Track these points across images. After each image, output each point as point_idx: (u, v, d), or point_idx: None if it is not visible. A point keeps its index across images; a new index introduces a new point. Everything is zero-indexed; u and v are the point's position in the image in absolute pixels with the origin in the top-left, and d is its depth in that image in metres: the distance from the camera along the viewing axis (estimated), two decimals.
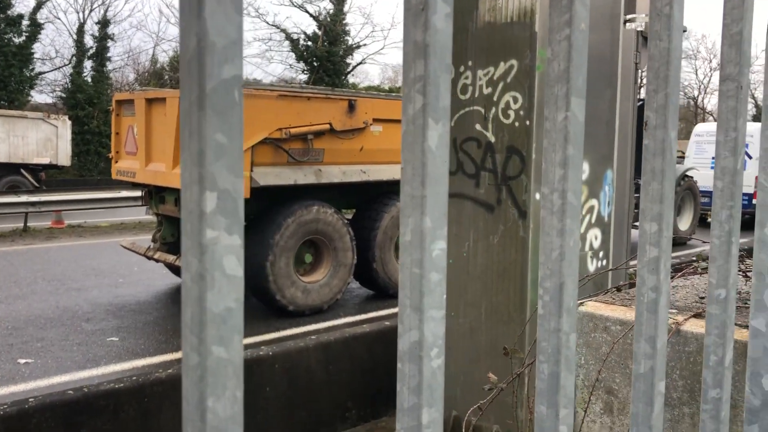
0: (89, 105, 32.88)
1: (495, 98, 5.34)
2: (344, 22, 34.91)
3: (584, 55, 0.71)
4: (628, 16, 6.11)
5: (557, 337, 0.72)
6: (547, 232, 0.72)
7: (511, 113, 5.25)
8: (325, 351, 6.26)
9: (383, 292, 11.42)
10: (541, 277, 0.73)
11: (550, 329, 0.73)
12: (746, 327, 1.48)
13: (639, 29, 6.32)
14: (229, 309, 0.45)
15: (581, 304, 1.88)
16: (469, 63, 5.48)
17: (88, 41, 35.09)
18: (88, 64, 34.81)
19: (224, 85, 0.43)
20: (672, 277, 2.21)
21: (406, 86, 0.58)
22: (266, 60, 55.29)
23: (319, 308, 10.38)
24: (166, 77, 37.89)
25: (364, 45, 39.35)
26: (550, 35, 0.70)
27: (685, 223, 16.38)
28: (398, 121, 11.81)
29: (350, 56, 36.34)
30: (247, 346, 7.96)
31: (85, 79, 34.01)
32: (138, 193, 12.25)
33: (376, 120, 10.98)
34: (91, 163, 32.84)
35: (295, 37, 35.54)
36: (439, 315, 0.58)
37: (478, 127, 5.49)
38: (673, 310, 1.83)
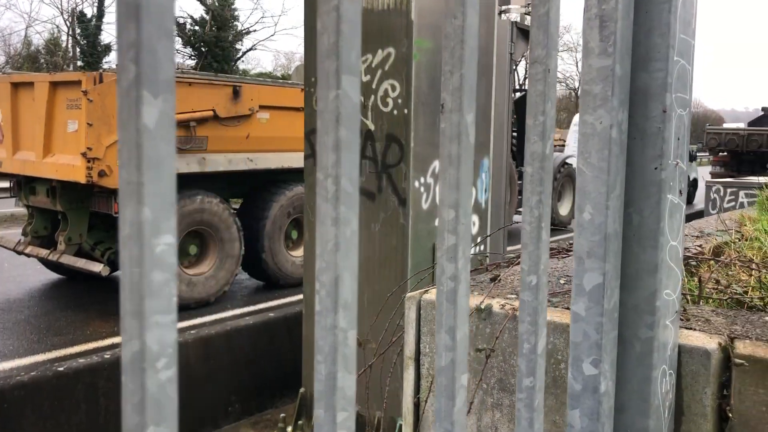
0: None
1: (374, 86, 5.30)
2: (233, 6, 33.94)
3: (357, 29, 0.66)
4: (503, 7, 6.24)
5: (334, 335, 0.66)
6: (322, 221, 0.66)
7: (390, 101, 5.24)
8: (205, 346, 6.05)
9: (273, 282, 11.24)
10: (317, 270, 0.67)
11: (327, 326, 0.67)
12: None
13: (513, 20, 6.47)
14: None
15: (426, 292, 1.87)
16: None
17: None
18: None
19: None
20: (515, 264, 2.24)
21: (120, 53, 0.49)
22: None
23: (206, 301, 10.09)
24: (42, 60, 35.52)
25: (254, 31, 38.48)
26: (318, 6, 0.64)
27: (565, 209, 17.14)
28: (286, 108, 11.50)
29: (240, 42, 35.42)
30: (119, 345, 7.58)
31: None
32: (5, 184, 11.42)
33: (262, 107, 10.73)
34: None
35: (181, 21, 34.25)
36: (167, 320, 0.51)
37: None
38: (513, 296, 1.85)
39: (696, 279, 1.94)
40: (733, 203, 9.01)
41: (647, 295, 1.20)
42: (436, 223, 5.57)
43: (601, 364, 1.14)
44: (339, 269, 0.65)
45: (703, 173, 23.19)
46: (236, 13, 34.50)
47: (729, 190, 9.22)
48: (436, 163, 5.44)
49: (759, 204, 3.65)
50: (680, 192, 1.24)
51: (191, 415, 5.95)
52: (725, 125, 32.89)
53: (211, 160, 10.05)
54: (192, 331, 6.32)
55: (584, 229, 1.14)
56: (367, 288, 5.47)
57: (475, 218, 5.85)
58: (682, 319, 1.54)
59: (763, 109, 28.54)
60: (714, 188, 9.48)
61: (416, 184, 5.29)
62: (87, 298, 9.91)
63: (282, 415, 5.85)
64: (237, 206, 11.48)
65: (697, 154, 28.83)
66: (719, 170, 24.20)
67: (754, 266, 2.00)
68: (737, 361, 1.38)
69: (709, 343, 1.44)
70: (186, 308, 9.66)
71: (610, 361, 1.17)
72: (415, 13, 5.06)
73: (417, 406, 1.84)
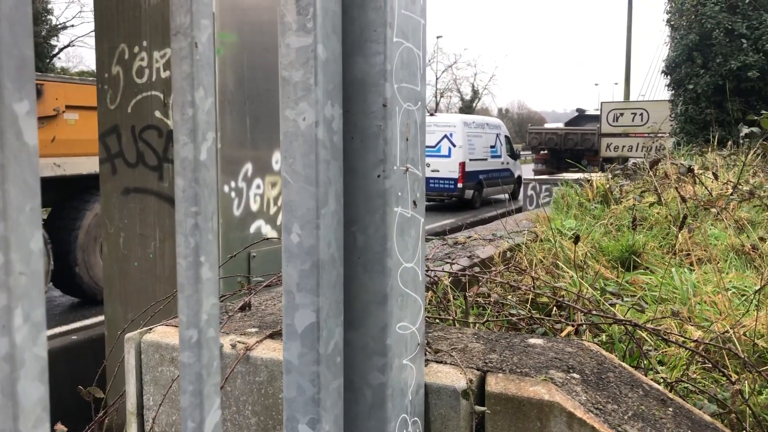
0: None
1: None
2: None
3: None
4: None
5: None
6: None
7: None
8: None
9: (90, 298, 10.34)
10: None
11: None
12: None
13: None
14: None
15: (150, 330, 1.56)
16: (144, 43, 4.94)
17: None
18: None
19: None
20: (278, 285, 1.99)
21: None
22: None
23: None
24: None
25: (72, 26, 35.85)
26: None
27: None
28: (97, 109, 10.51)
29: (56, 38, 32.61)
30: None
31: None
32: None
33: (70, 107, 9.82)
34: None
35: None
36: None
37: (157, 114, 4.98)
38: (253, 329, 1.58)
39: (476, 296, 1.79)
40: (548, 199, 9.49)
41: (376, 332, 0.98)
42: (251, 230, 5.23)
43: (320, 424, 0.91)
44: None
45: (528, 171, 24.65)
46: (49, 6, 31.69)
47: (544, 187, 9.69)
48: (248, 166, 5.10)
49: (555, 202, 3.68)
50: (414, 203, 1.03)
51: None
52: (546, 125, 35.28)
53: None
54: None
55: (293, 256, 0.89)
56: (176, 305, 5.00)
57: None
58: (429, 351, 1.35)
59: (578, 110, 30.96)
60: (531, 185, 9.94)
61: (226, 188, 4.92)
62: None
63: None
64: (45, 216, 10.43)
65: (521, 153, 30.68)
66: (541, 167, 25.89)
67: (521, 280, 1.89)
68: (478, 408, 1.20)
69: (459, 380, 1.25)
70: None
71: (333, 419, 0.93)
72: (217, 6, 4.69)
73: None
